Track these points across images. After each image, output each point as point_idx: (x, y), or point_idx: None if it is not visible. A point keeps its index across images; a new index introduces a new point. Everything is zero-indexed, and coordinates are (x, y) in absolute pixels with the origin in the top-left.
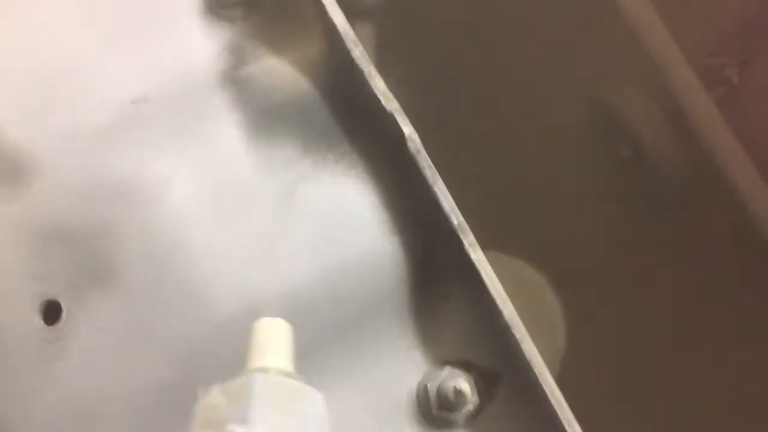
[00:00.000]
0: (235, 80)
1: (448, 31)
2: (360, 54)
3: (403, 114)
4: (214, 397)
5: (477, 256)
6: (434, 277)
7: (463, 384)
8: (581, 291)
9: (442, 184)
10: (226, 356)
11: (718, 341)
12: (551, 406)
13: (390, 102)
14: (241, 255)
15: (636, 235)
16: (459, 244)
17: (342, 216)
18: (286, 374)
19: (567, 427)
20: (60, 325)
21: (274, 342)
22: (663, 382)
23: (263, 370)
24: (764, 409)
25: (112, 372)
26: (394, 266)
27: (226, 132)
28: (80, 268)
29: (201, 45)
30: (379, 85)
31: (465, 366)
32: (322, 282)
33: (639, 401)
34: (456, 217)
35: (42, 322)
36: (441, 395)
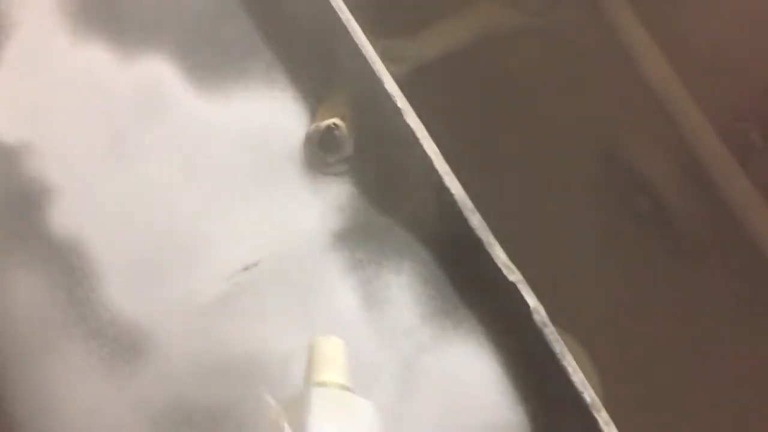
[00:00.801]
0: (346, 241)
1: (469, 89)
2: (479, 223)
3: (526, 284)
4: (274, 413)
5: (605, 418)
6: None
7: None
8: (610, 351)
9: (571, 357)
10: None
11: (749, 394)
12: None
13: (512, 273)
14: None
15: (659, 291)
16: (592, 420)
17: (464, 387)
18: (342, 387)
19: None
20: None
21: (330, 358)
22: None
23: (320, 384)
24: None
25: None
26: None
27: (343, 300)
28: None
29: (308, 203)
30: (500, 255)
31: None
32: None
33: None
34: (588, 395)
35: None
36: None
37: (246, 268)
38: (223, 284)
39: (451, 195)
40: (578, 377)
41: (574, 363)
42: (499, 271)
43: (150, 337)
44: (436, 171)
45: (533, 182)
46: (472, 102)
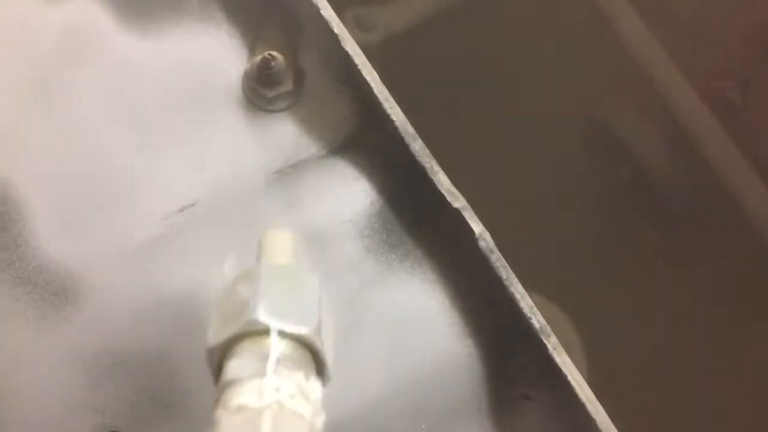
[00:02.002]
0: (286, 178)
1: (451, 58)
2: (420, 149)
3: (471, 211)
4: (230, 283)
5: (562, 359)
6: (512, 379)
7: None
8: (593, 317)
9: (519, 283)
10: None
11: (732, 356)
12: None
13: (456, 199)
14: None
15: (643, 257)
16: (541, 346)
17: (411, 321)
18: (288, 264)
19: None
20: None
21: (278, 244)
22: (683, 399)
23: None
24: None
25: None
26: (469, 370)
27: None
28: (141, 396)
29: (247, 142)
30: (443, 181)
31: None
32: (395, 394)
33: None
34: (537, 320)
35: None
36: None
37: (182, 210)
38: (158, 226)
39: (392, 122)
40: (526, 303)
41: (521, 289)
42: (444, 198)
43: (81, 281)
44: (376, 98)
45: (515, 151)
46: (448, 71)
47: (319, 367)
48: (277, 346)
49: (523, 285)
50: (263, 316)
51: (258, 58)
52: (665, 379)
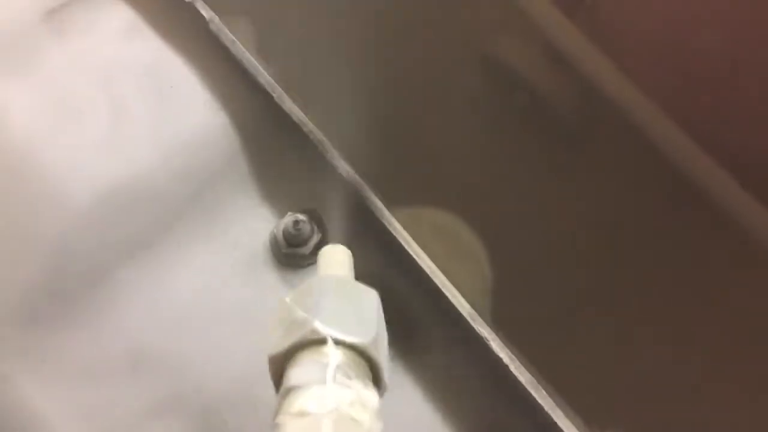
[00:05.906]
0: (56, 15)
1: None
2: None
3: (203, 2)
4: (284, 302)
5: (289, 106)
6: (268, 140)
7: (301, 217)
8: (496, 226)
9: (246, 51)
10: (92, 245)
11: (627, 261)
12: (388, 230)
13: None
14: (86, 149)
15: (547, 180)
16: (272, 100)
17: (172, 96)
18: (345, 278)
19: (403, 244)
20: None
21: (334, 259)
22: (574, 296)
23: (324, 275)
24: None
25: None
26: (227, 137)
27: (56, 56)
28: None
29: None
30: None
31: (307, 212)
32: (163, 162)
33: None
34: (264, 78)
35: None
36: (286, 233)
37: None
38: None
39: None
40: (252, 65)
41: (249, 56)
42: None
43: None
44: None
45: (418, 98)
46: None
47: (375, 376)
48: (335, 355)
49: (427, 202)
50: (321, 326)
51: None
52: (568, 281)
